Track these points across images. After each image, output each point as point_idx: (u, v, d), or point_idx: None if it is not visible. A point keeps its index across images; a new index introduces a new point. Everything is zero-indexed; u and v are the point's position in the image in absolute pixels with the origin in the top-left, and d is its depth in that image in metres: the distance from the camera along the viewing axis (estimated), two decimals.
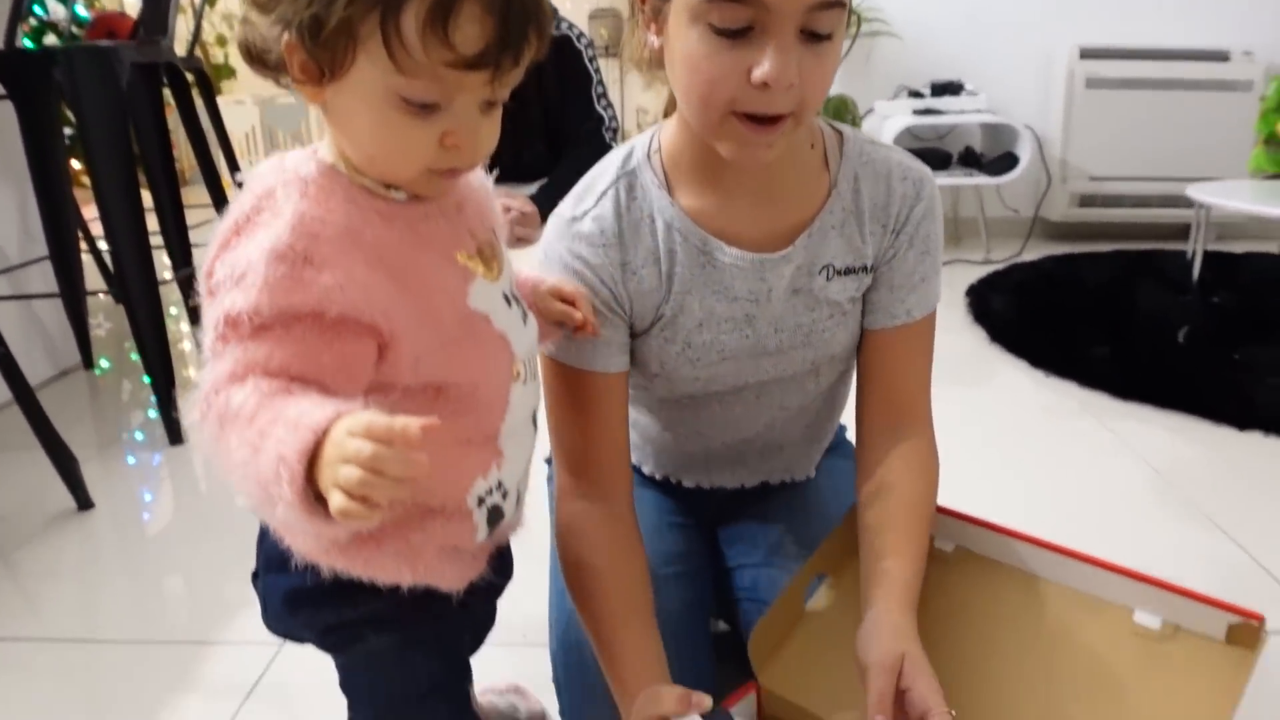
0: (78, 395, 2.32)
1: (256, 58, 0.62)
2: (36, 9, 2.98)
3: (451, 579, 0.68)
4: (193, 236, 2.52)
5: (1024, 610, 0.91)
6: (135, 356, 2.61)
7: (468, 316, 0.66)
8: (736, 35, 0.72)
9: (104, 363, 2.52)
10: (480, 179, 0.73)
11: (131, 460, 1.92)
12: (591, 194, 0.88)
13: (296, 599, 0.68)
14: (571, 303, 0.82)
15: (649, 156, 0.88)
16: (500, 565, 0.77)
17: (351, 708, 0.77)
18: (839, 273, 0.89)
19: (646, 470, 1.10)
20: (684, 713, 0.74)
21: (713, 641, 1.00)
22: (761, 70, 0.71)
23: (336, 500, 0.48)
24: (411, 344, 0.61)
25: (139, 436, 2.04)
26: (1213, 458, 1.79)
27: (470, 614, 0.74)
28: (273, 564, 0.69)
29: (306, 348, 0.56)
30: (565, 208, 0.89)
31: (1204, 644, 0.83)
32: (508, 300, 0.71)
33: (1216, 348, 2.35)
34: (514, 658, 1.20)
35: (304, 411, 0.52)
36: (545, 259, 0.89)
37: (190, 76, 2.49)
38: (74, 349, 2.51)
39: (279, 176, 0.61)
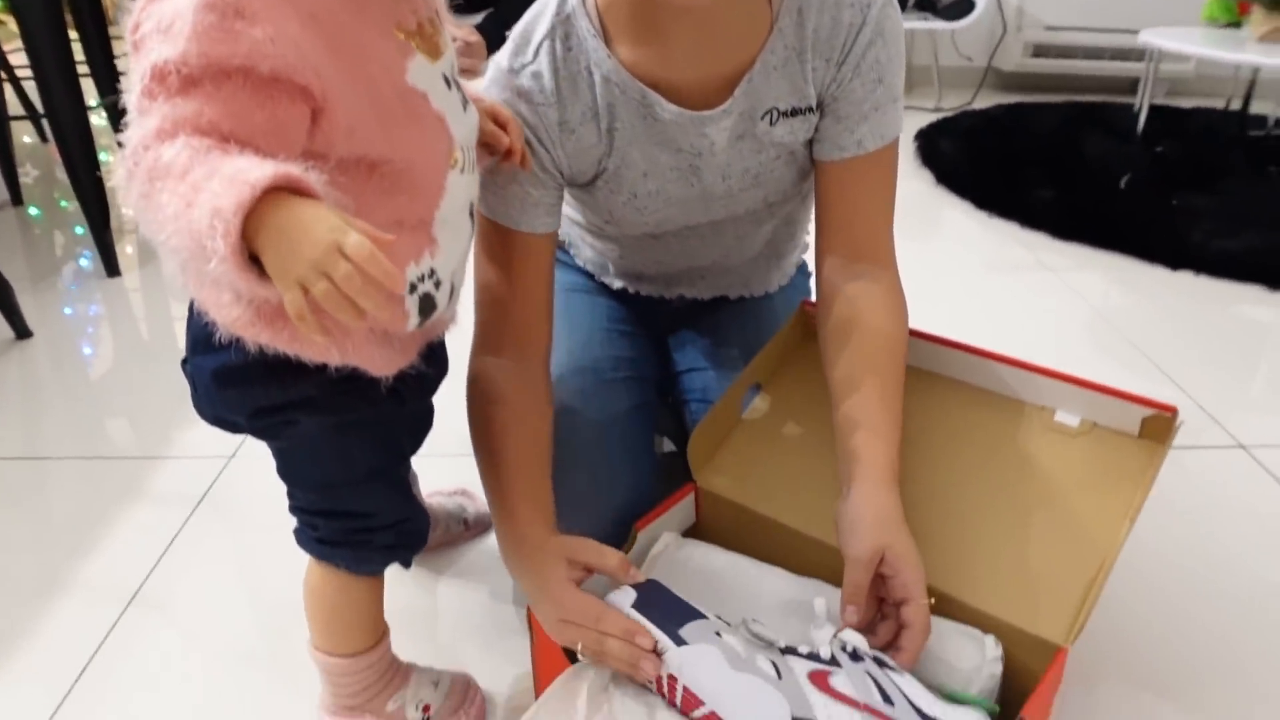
0: (8, 231, 2.25)
1: None
2: None
3: (380, 364, 0.68)
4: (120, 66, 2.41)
5: (951, 414, 0.94)
6: (65, 204, 2.54)
7: (405, 92, 0.64)
8: None
9: (33, 210, 2.43)
10: None
11: (70, 290, 1.88)
12: (529, 46, 0.84)
13: (223, 377, 0.68)
14: (504, 127, 0.80)
15: (583, 2, 0.83)
16: (432, 359, 0.76)
17: (290, 495, 0.78)
18: (784, 114, 0.85)
19: (604, 280, 1.11)
20: (621, 573, 0.76)
21: (654, 447, 1.03)
22: None
23: (294, 300, 0.49)
24: (345, 112, 0.59)
25: (77, 267, 2.00)
26: (1145, 296, 1.84)
27: (404, 404, 0.74)
28: (199, 344, 0.68)
29: (238, 106, 0.54)
30: (504, 57, 0.85)
31: (1119, 438, 0.88)
32: (447, 83, 0.69)
33: (1156, 194, 2.38)
34: (460, 467, 1.23)
35: (241, 168, 0.51)
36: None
37: None
38: (1, 185, 2.42)
39: None
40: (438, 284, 0.68)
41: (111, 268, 1.93)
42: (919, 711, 0.68)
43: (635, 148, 0.86)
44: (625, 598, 0.74)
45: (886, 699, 0.68)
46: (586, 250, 1.09)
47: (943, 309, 1.74)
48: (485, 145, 0.79)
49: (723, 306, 1.10)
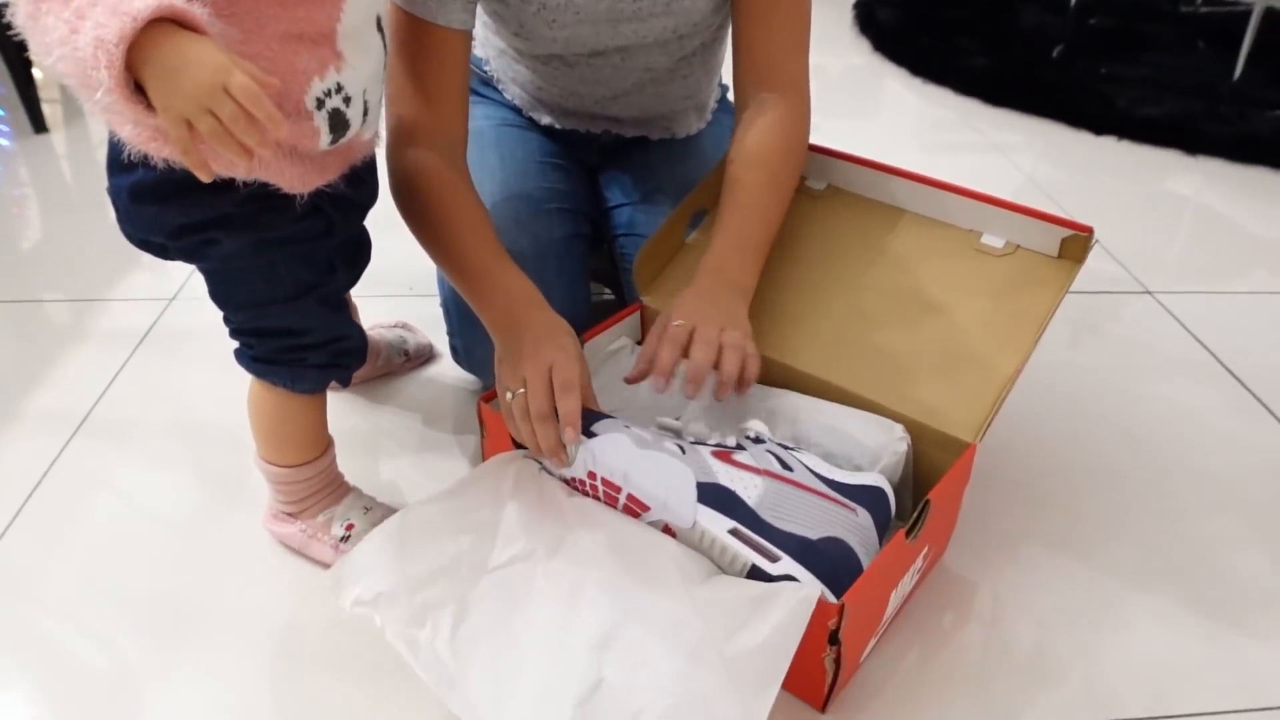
0: None
1: None
2: None
3: (292, 180, 0.67)
4: None
5: (884, 237, 0.98)
6: None
7: None
8: None
9: None
10: None
11: None
12: None
13: (140, 194, 0.67)
14: None
15: None
16: (357, 182, 0.75)
17: (225, 320, 0.78)
18: None
19: (532, 115, 1.10)
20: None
21: (586, 272, 1.05)
22: None
23: (180, 135, 0.52)
24: None
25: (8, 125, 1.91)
26: (1071, 160, 1.89)
27: (328, 223, 0.73)
28: (115, 164, 0.67)
29: None
30: None
31: (1039, 258, 0.92)
32: None
33: (1086, 64, 2.41)
34: (401, 307, 1.24)
35: None
36: None
37: None
38: None
39: None
40: (347, 100, 0.67)
41: (38, 124, 1.85)
42: (817, 475, 0.74)
43: None
44: None
45: (786, 467, 0.74)
46: (513, 87, 1.09)
47: None
48: None
49: (650, 146, 1.11)
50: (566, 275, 0.98)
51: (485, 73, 1.09)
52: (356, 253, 0.82)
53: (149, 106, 0.52)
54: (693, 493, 0.72)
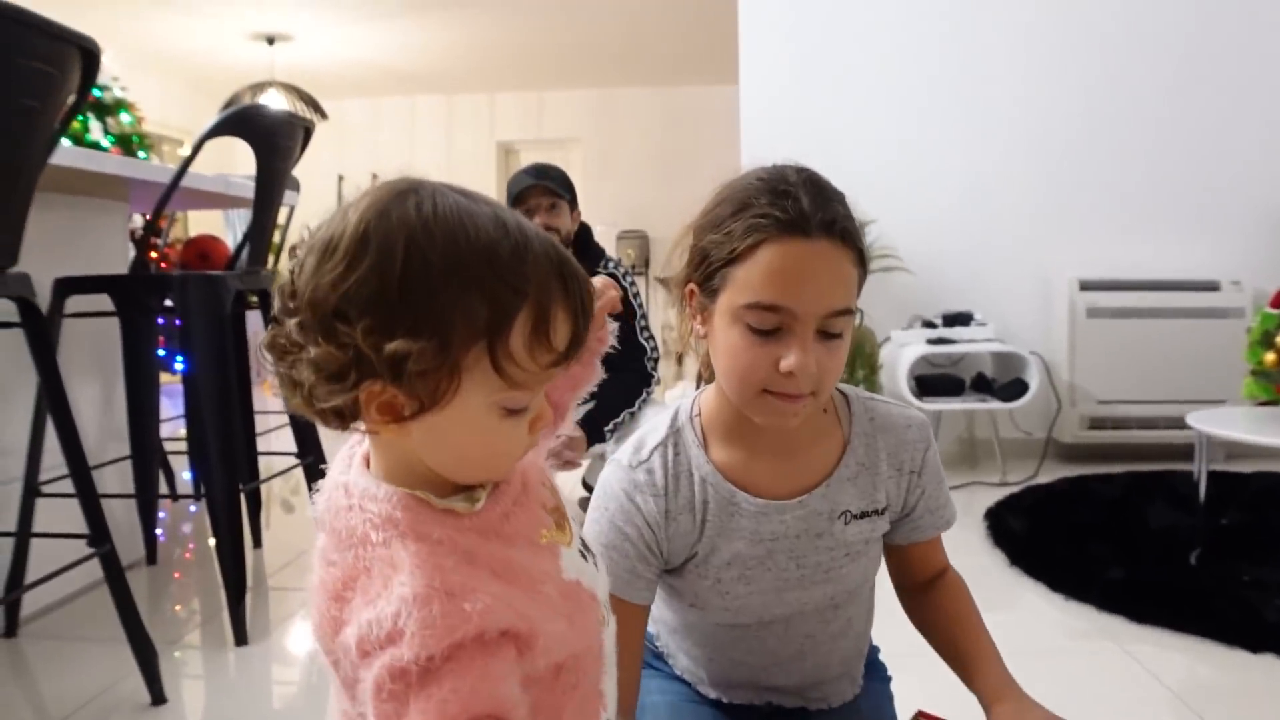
0: (141, 592, 2.44)
1: (306, 395, 0.62)
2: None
3: None
4: (261, 443, 2.72)
5: None
6: (185, 556, 2.77)
7: (566, 589, 0.69)
8: (768, 334, 0.93)
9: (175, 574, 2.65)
10: None
11: (201, 658, 2.03)
12: (645, 448, 1.05)
13: None
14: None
15: (690, 420, 1.07)
16: None
17: None
18: (855, 517, 1.05)
19: (700, 689, 1.21)
20: None
21: None
22: (788, 363, 0.91)
23: None
24: (544, 637, 0.63)
25: (207, 636, 2.16)
26: (1228, 681, 1.88)
27: None
28: None
29: (476, 674, 0.58)
30: (624, 456, 1.06)
31: None
32: (584, 555, 0.75)
33: (1227, 569, 2.45)
34: None
35: None
36: (603, 494, 1.04)
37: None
38: (140, 546, 2.66)
39: (360, 521, 0.64)
40: None
41: (241, 637, 2.08)
42: None
43: (722, 539, 1.03)
44: None
45: None
46: (683, 659, 1.21)
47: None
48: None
49: (809, 716, 1.19)
50: None
51: (656, 647, 1.23)
52: None
53: None
54: None
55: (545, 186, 2.73)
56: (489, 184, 9.96)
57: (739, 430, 1.04)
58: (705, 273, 0.97)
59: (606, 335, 0.86)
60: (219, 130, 2.16)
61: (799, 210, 0.91)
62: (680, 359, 1.20)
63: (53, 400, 1.68)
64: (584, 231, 2.87)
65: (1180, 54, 3.89)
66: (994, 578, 2.51)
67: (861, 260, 0.96)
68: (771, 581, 1.05)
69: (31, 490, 2.07)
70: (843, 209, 0.95)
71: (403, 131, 10.06)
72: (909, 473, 1.08)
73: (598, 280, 2.19)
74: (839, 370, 0.96)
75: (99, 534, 1.73)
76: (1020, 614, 2.28)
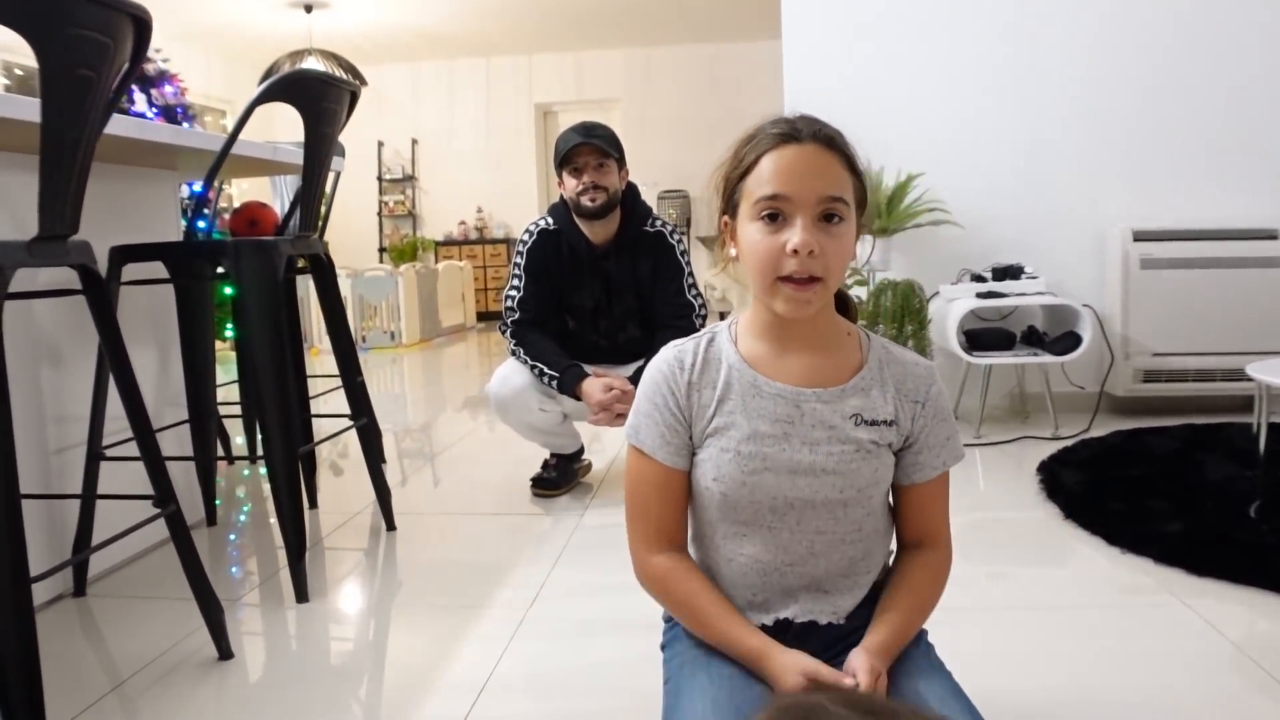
0: (201, 552, 2.50)
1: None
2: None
3: None
4: (316, 406, 2.76)
5: None
6: (241, 518, 2.83)
7: None
8: (774, 220, 1.12)
9: (230, 535, 2.71)
10: None
11: (261, 616, 2.08)
12: (689, 343, 1.26)
13: None
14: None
15: (729, 327, 1.27)
16: None
17: None
18: (865, 422, 1.19)
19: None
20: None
21: None
22: (792, 242, 1.10)
23: None
24: None
25: (266, 594, 2.21)
26: None
27: None
28: None
29: None
30: (670, 347, 1.26)
31: None
32: None
33: None
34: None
35: None
36: (645, 375, 1.26)
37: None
38: (200, 508, 2.72)
39: None
40: None
41: (302, 594, 2.13)
42: None
43: (741, 414, 1.19)
44: None
45: None
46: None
47: (1086, 654, 1.79)
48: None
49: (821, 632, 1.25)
50: None
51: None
52: None
53: None
54: None
55: (594, 145, 2.72)
56: (528, 146, 9.96)
57: (769, 331, 1.21)
58: (727, 195, 1.20)
59: None
60: (269, 96, 2.17)
61: (792, 126, 1.14)
62: (722, 317, 1.38)
63: (117, 366, 1.71)
64: (631, 191, 2.86)
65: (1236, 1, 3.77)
66: (1049, 532, 2.49)
67: (852, 168, 1.15)
68: (786, 461, 1.18)
69: (95, 455, 2.12)
70: (833, 130, 1.15)
71: (441, 96, 10.07)
72: (914, 402, 1.22)
73: (614, 381, 2.43)
74: (842, 256, 1.13)
75: (164, 495, 1.77)
76: (1076, 568, 2.26)
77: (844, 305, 1.29)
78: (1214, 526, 2.41)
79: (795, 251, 1.09)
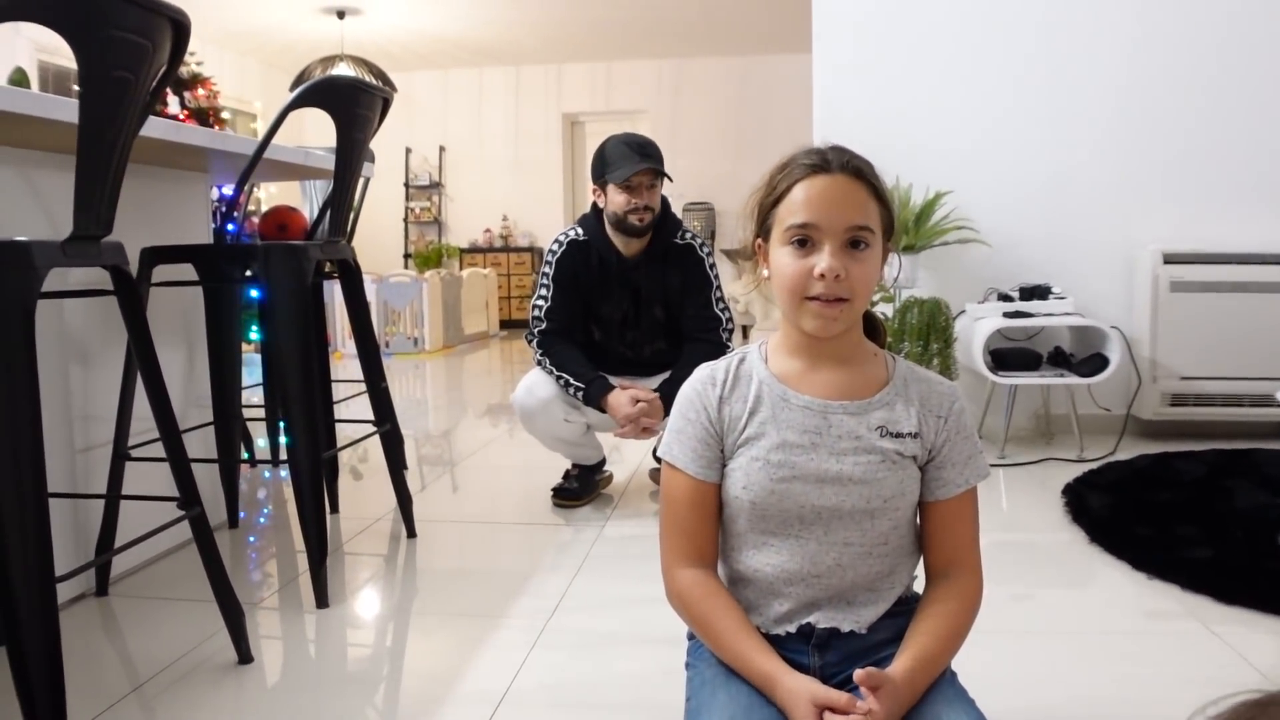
0: (223, 555, 2.51)
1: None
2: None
3: None
4: (339, 411, 2.77)
5: None
6: (262, 521, 2.84)
7: None
8: (804, 245, 1.17)
9: (250, 538, 2.72)
10: None
11: (280, 620, 2.09)
12: (720, 364, 1.30)
13: None
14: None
15: (759, 347, 1.31)
16: None
17: None
18: (890, 434, 1.22)
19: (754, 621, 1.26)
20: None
21: None
22: (820, 266, 1.15)
23: None
24: None
25: (286, 598, 2.21)
26: None
27: None
28: None
29: None
30: (703, 366, 1.30)
31: None
32: None
33: None
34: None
35: None
36: (680, 395, 1.30)
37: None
38: (222, 510, 2.73)
39: None
40: None
41: (322, 599, 2.13)
42: None
43: (771, 425, 1.22)
44: None
45: None
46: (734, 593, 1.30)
47: (1109, 680, 1.76)
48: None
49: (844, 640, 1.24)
50: None
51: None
52: None
53: None
54: None
55: (654, 169, 2.76)
56: (555, 156, 9.98)
57: (798, 349, 1.26)
58: (760, 220, 1.25)
59: None
60: (303, 100, 2.18)
61: (823, 157, 1.20)
62: (746, 332, 1.42)
63: (146, 368, 1.72)
64: (664, 203, 2.87)
65: (1266, 20, 3.73)
66: (1074, 555, 2.46)
67: (880, 197, 1.20)
68: (813, 471, 1.20)
69: (120, 455, 2.13)
70: (862, 161, 1.20)
71: (470, 103, 10.12)
72: (937, 416, 1.24)
73: (640, 394, 2.48)
74: (868, 280, 1.18)
75: (189, 497, 1.78)
76: (1101, 592, 2.23)
77: (873, 328, 1.33)
78: (1243, 554, 2.38)
79: (822, 276, 1.15)
